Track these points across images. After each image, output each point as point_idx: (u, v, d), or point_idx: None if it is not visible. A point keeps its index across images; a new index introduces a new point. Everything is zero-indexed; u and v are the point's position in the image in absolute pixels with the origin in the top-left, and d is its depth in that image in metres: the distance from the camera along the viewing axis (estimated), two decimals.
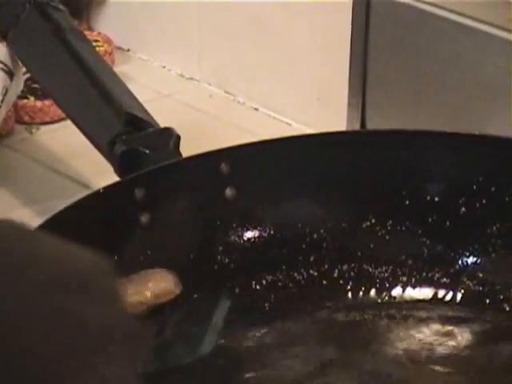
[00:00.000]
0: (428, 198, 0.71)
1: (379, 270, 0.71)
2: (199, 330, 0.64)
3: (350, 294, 0.70)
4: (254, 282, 0.70)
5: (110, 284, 0.54)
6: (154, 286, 0.64)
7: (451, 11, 0.79)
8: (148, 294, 0.64)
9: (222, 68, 0.92)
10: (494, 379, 0.66)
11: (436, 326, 0.69)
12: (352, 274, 0.70)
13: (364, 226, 0.71)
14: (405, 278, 0.71)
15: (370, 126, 0.82)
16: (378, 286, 0.71)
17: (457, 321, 0.69)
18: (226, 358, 0.67)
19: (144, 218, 0.68)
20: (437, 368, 0.67)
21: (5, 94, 0.82)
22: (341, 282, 0.71)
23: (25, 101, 0.88)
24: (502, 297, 0.69)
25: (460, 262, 0.70)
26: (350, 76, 0.83)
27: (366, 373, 0.66)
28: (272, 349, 0.68)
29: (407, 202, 0.71)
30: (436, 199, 0.71)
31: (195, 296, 0.66)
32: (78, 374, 0.51)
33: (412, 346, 0.68)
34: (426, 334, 0.69)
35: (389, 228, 0.71)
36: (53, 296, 0.51)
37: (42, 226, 0.64)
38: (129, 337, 0.53)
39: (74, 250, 0.54)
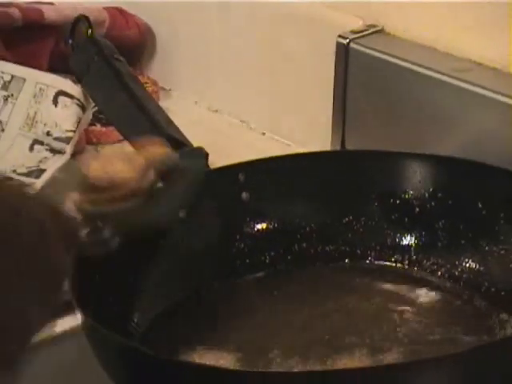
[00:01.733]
0: (391, 200, 0.71)
1: (354, 251, 0.71)
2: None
3: (330, 266, 0.71)
4: (261, 259, 0.71)
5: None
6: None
7: (406, 61, 0.77)
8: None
9: (238, 103, 0.92)
10: None
11: (388, 285, 0.69)
12: (334, 256, 0.71)
13: (344, 221, 0.72)
14: (372, 258, 0.71)
15: (349, 146, 0.82)
16: (352, 260, 0.71)
17: (407, 281, 0.69)
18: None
19: (181, 213, 0.68)
20: (390, 305, 0.67)
21: (79, 123, 0.81)
22: (324, 261, 0.71)
23: (93, 127, 0.87)
24: (444, 271, 0.70)
25: (414, 249, 0.70)
26: (333, 109, 0.82)
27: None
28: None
29: (376, 204, 0.71)
30: (397, 202, 0.71)
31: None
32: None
33: (371, 292, 0.68)
34: (384, 287, 0.69)
35: (362, 223, 0.72)
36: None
37: None
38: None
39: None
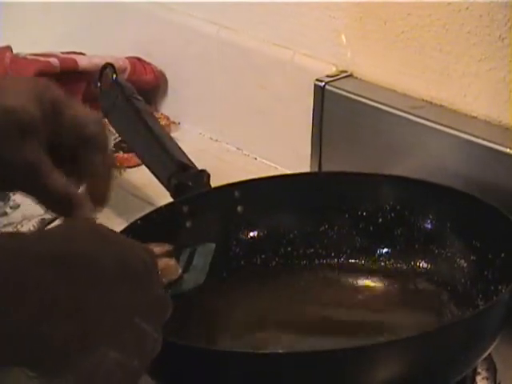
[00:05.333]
0: (359, 213, 0.71)
1: (329, 254, 0.71)
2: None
3: (310, 266, 0.70)
4: (253, 260, 0.71)
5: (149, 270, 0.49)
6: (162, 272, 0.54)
7: (371, 100, 0.78)
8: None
9: (234, 134, 0.92)
10: None
11: (358, 282, 0.69)
12: (313, 257, 0.71)
13: (321, 229, 0.72)
14: (343, 259, 0.71)
15: (325, 169, 0.82)
16: (327, 260, 0.71)
17: (373, 281, 0.69)
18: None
19: (188, 224, 0.68)
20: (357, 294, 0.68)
21: None
22: (305, 261, 0.71)
23: (116, 154, 0.87)
24: (401, 269, 0.70)
25: (378, 251, 0.70)
26: (312, 139, 0.82)
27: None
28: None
29: (347, 216, 0.71)
30: (364, 213, 0.71)
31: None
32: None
33: (344, 288, 0.69)
34: (354, 283, 0.69)
35: (336, 231, 0.72)
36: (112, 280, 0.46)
37: (129, 226, 0.65)
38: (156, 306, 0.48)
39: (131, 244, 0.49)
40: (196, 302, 0.64)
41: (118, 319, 0.46)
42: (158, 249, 0.57)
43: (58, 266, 0.44)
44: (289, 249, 0.72)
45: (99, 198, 0.57)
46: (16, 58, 0.91)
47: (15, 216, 0.79)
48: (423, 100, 0.77)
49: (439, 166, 0.74)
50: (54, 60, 0.90)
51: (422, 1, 0.75)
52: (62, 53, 0.93)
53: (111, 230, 0.50)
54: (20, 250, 0.44)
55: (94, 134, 0.56)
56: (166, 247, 0.58)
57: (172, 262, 0.58)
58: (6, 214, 0.80)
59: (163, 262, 0.56)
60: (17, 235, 0.50)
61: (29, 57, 0.91)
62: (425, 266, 0.69)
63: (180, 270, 0.58)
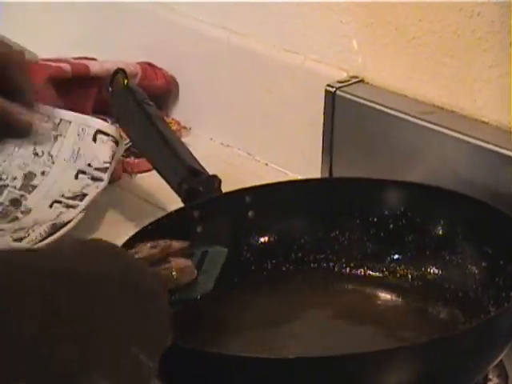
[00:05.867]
0: (370, 219, 0.71)
1: (340, 259, 0.71)
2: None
3: (320, 271, 0.70)
4: (264, 266, 0.71)
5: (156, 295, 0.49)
6: (178, 274, 0.55)
7: (382, 105, 0.77)
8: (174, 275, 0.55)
9: (245, 140, 0.92)
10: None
11: (369, 289, 0.69)
12: (323, 263, 0.71)
13: (332, 235, 0.71)
14: (354, 265, 0.71)
15: (336, 174, 0.82)
16: (338, 266, 0.71)
17: (384, 288, 0.69)
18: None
19: (199, 229, 0.68)
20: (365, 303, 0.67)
21: (114, 155, 0.81)
22: (316, 267, 0.71)
23: (128, 159, 0.88)
24: (411, 277, 0.70)
25: (389, 257, 0.70)
26: (323, 144, 0.82)
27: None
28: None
29: (357, 221, 0.71)
30: (375, 219, 0.71)
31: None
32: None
33: (355, 294, 0.69)
34: (365, 289, 0.69)
35: (347, 236, 0.71)
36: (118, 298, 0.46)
37: (140, 231, 0.65)
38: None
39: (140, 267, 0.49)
40: (207, 307, 0.64)
41: (116, 348, 0.45)
42: (176, 244, 0.56)
43: (61, 285, 0.44)
44: (299, 254, 0.71)
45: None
46: None
47: (26, 221, 0.79)
48: (434, 105, 0.77)
49: (450, 171, 0.74)
50: (65, 65, 0.90)
51: (433, 6, 0.75)
52: (74, 58, 0.93)
53: (122, 249, 0.50)
54: (27, 265, 0.44)
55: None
56: (184, 243, 0.57)
57: (189, 262, 0.57)
58: (17, 218, 0.80)
59: (180, 262, 0.55)
60: (23, 252, 0.50)
61: (40, 62, 0.90)
62: (436, 272, 0.69)
63: (196, 272, 0.57)
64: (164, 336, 0.49)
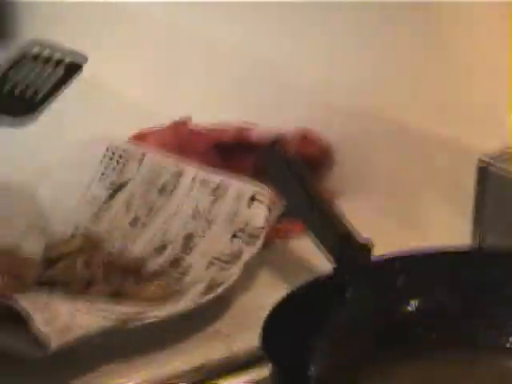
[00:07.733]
0: None
1: (492, 333, 0.69)
2: None
3: (470, 343, 0.68)
4: (410, 334, 0.69)
5: None
6: None
7: None
8: None
9: (396, 206, 0.92)
10: None
11: None
12: (476, 336, 0.68)
13: (481, 306, 0.69)
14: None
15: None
16: (492, 340, 0.68)
17: None
18: None
19: (348, 294, 0.68)
20: None
21: (267, 221, 0.82)
22: (466, 339, 0.68)
23: (279, 224, 0.86)
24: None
25: None
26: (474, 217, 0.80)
27: None
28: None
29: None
30: None
31: None
32: None
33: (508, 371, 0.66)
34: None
35: (500, 308, 0.69)
36: None
37: (290, 293, 0.66)
38: None
39: None
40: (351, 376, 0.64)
41: None
42: None
43: None
44: (449, 325, 0.70)
45: None
46: (193, 132, 0.94)
47: (184, 281, 0.81)
48: None
49: None
50: (228, 131, 0.93)
51: None
52: (235, 124, 0.95)
53: None
54: None
55: None
56: None
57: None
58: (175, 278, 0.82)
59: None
60: None
61: (203, 131, 0.94)
62: None
63: None
64: None
